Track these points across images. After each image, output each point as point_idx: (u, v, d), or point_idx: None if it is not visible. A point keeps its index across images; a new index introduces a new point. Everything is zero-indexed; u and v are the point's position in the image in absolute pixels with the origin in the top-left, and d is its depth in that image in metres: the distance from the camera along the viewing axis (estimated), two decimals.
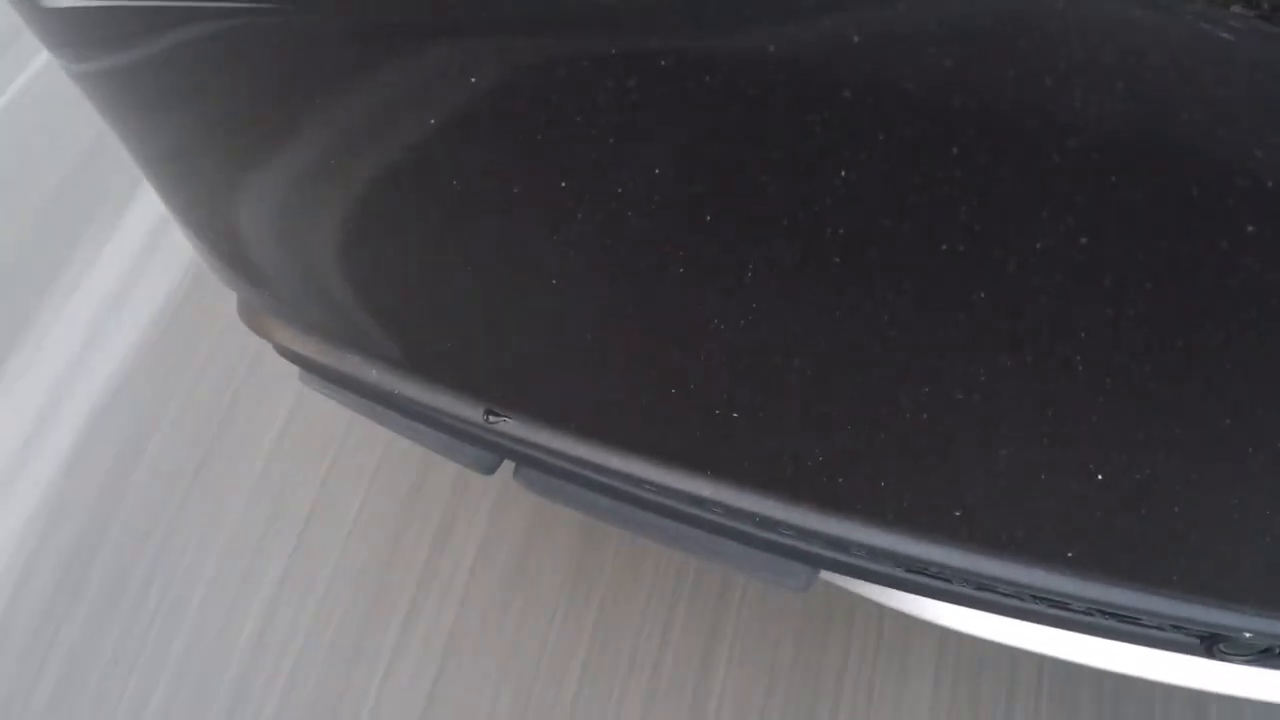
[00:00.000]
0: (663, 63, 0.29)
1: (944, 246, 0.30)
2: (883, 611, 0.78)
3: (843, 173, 0.29)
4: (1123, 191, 0.26)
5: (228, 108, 0.39)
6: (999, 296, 0.30)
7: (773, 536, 0.46)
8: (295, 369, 0.59)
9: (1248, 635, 0.40)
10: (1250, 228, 0.25)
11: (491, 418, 0.48)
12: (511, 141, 0.34)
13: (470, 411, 0.48)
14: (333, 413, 0.89)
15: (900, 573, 0.45)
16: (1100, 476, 0.35)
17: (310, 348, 0.53)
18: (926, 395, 0.35)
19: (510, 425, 0.48)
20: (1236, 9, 0.22)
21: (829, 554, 0.45)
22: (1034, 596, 0.42)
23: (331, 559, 0.86)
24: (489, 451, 0.55)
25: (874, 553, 0.43)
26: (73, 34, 0.40)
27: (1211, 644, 0.43)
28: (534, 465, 0.53)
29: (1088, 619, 0.44)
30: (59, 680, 0.83)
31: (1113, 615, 0.42)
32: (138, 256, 1.05)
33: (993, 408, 0.34)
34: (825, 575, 0.50)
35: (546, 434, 0.47)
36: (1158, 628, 0.42)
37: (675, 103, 0.30)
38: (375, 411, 0.56)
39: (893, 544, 0.42)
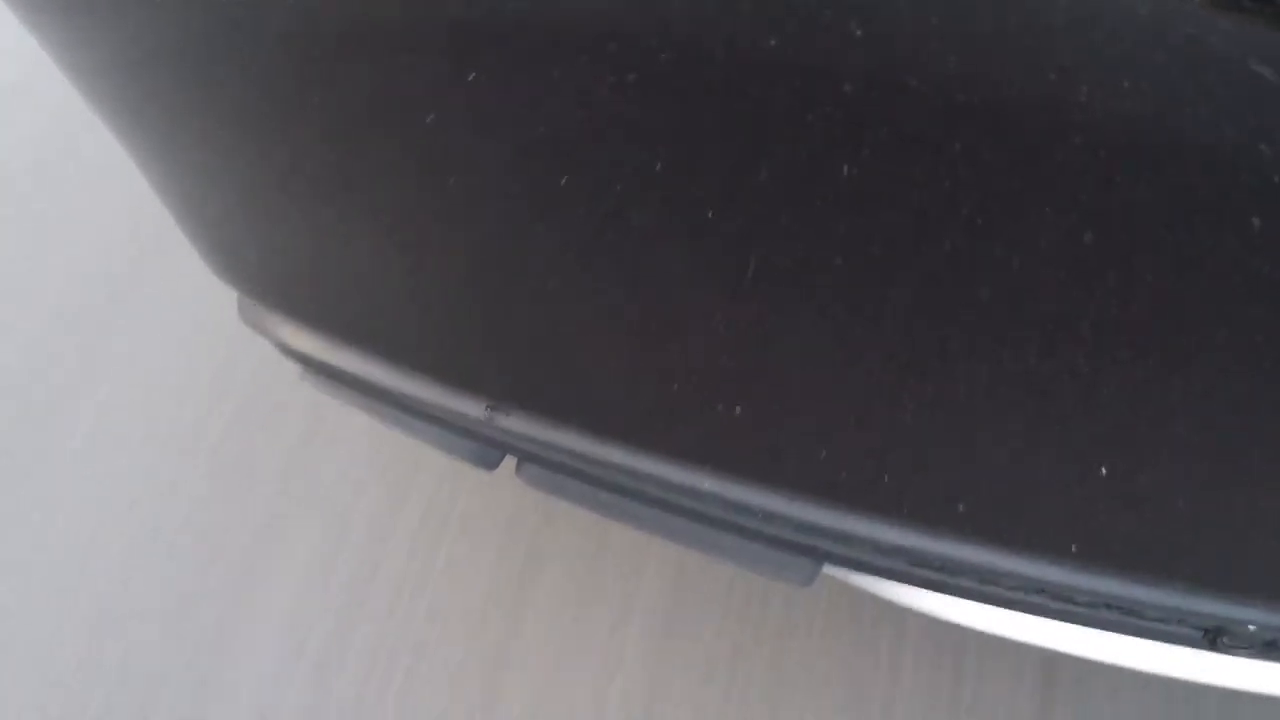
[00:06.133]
0: (662, 58, 0.29)
1: (950, 242, 0.30)
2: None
3: (845, 169, 0.29)
4: (1126, 188, 0.26)
5: (231, 97, 0.39)
6: (1004, 292, 0.30)
7: (776, 531, 0.46)
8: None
9: (1251, 628, 0.40)
10: (1256, 221, 0.25)
11: (493, 413, 0.48)
12: (514, 136, 0.34)
13: (472, 407, 0.48)
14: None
15: (903, 566, 0.45)
16: (1104, 470, 0.35)
17: (312, 345, 0.53)
18: (931, 390, 0.35)
19: (512, 421, 0.47)
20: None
21: (832, 548, 0.45)
22: (1038, 590, 0.42)
23: None
24: (491, 447, 0.55)
25: (877, 547, 0.43)
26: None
27: (1215, 637, 0.43)
28: (536, 461, 0.53)
29: (1091, 612, 0.44)
30: None
31: (1116, 608, 0.42)
32: None
33: (997, 402, 0.34)
34: (828, 570, 0.50)
35: (548, 429, 0.47)
36: (1161, 620, 0.42)
37: (677, 98, 0.30)
38: (377, 408, 0.56)
39: (896, 538, 0.42)
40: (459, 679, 0.79)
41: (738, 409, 0.39)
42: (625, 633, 0.79)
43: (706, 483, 0.45)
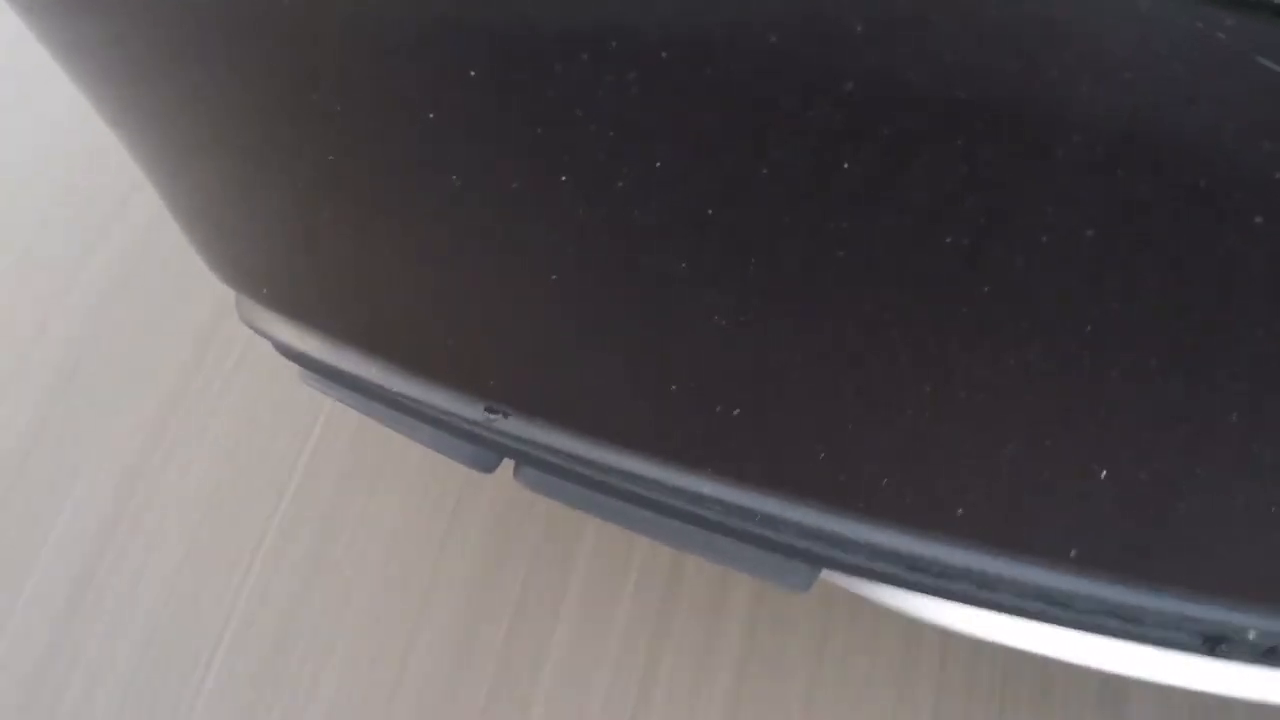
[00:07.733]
0: (664, 55, 0.29)
1: (948, 243, 0.30)
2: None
3: (845, 165, 0.29)
4: (1127, 186, 0.26)
5: (230, 92, 0.39)
6: (1004, 293, 0.30)
7: (774, 535, 0.46)
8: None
9: (1251, 635, 0.40)
10: (1258, 219, 0.25)
11: (491, 415, 0.47)
12: (512, 135, 0.33)
13: (470, 409, 0.48)
14: None
15: (902, 572, 0.45)
16: (1104, 474, 0.35)
17: (310, 346, 0.53)
18: (930, 393, 0.35)
19: (510, 423, 0.47)
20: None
21: (830, 553, 0.45)
22: (1036, 596, 0.42)
23: None
24: (489, 450, 0.55)
25: (875, 551, 0.43)
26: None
27: (1214, 644, 0.43)
28: (534, 463, 0.52)
29: (1090, 618, 0.44)
30: None
31: (1115, 615, 0.42)
32: None
33: (996, 406, 0.34)
34: (826, 575, 0.50)
35: (546, 431, 0.47)
36: (1160, 626, 0.42)
37: (677, 96, 0.30)
38: (374, 409, 0.56)
39: (894, 542, 0.42)
40: None
41: (736, 411, 0.39)
42: None
43: (705, 486, 0.44)
